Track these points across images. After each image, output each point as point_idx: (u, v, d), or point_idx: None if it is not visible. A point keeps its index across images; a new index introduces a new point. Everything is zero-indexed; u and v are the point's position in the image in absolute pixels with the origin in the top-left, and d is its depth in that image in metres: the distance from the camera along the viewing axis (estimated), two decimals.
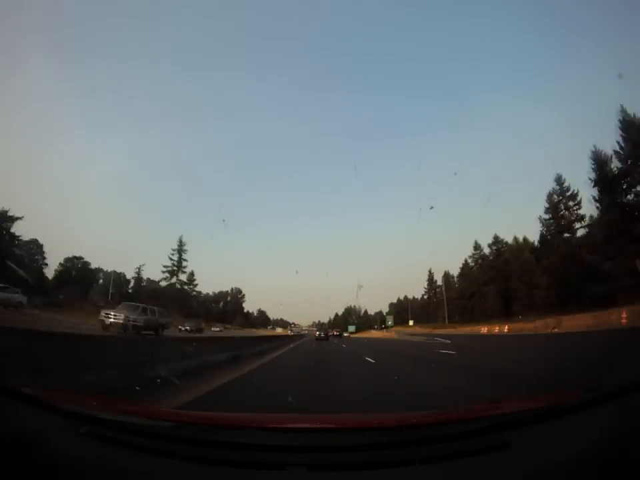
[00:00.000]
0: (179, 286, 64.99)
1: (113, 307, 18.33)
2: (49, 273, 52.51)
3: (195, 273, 68.79)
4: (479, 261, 60.95)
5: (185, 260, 63.94)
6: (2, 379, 1.56)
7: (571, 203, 39.94)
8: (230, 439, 1.22)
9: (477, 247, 61.72)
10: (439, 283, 73.89)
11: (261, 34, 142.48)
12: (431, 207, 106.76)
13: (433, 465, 1.08)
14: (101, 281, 64.98)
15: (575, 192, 39.20)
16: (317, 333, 42.96)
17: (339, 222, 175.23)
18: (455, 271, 69.84)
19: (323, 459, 1.15)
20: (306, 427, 1.45)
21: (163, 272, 63.56)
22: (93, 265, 62.82)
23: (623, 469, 0.97)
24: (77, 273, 59.40)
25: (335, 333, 61.20)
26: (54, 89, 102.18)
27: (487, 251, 59.35)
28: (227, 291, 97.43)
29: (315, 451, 1.18)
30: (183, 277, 66.36)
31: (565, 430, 1.13)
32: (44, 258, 51.57)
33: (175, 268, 63.13)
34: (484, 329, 38.35)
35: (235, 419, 1.66)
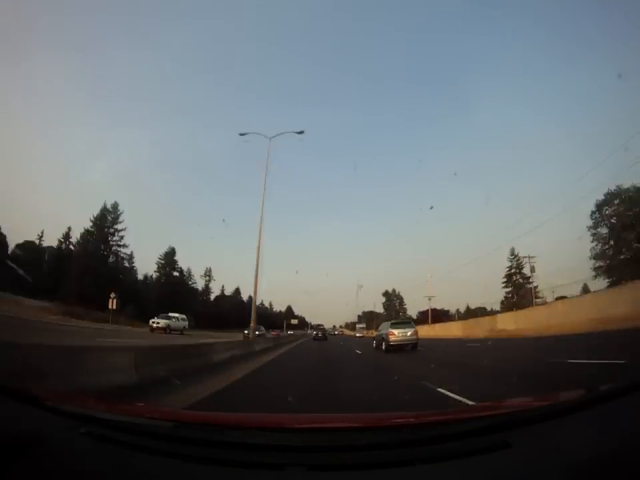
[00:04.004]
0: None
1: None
2: None
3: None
4: None
5: None
6: (2, 379, 1.56)
7: None
8: (230, 439, 1.22)
9: None
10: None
11: (262, 34, 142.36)
12: (431, 207, 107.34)
13: (433, 464, 1.08)
14: None
15: None
16: (314, 332, 43.78)
17: (337, 222, 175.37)
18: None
19: (323, 458, 1.14)
20: (306, 427, 1.45)
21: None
22: None
23: (623, 469, 0.96)
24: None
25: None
26: (49, 85, 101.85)
27: None
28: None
29: (315, 451, 1.18)
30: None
31: (565, 430, 1.13)
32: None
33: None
34: None
35: (234, 418, 1.66)
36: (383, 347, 16.80)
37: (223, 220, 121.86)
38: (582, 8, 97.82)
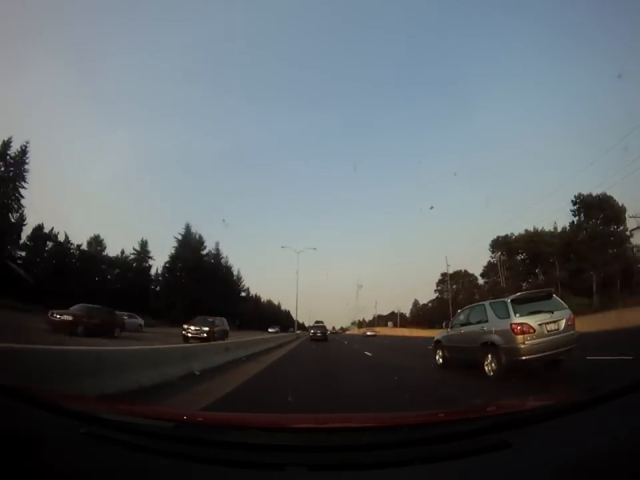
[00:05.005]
0: None
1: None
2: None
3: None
4: None
5: None
6: (2, 379, 1.56)
7: None
8: (230, 439, 1.22)
9: None
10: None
11: (263, 35, 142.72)
12: (431, 207, 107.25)
13: (433, 464, 1.08)
14: None
15: None
16: (312, 332, 32.08)
17: (337, 223, 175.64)
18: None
19: (323, 458, 1.14)
20: (306, 427, 1.45)
21: None
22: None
23: (624, 469, 0.97)
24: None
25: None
26: (52, 86, 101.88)
27: None
28: None
29: (315, 451, 1.18)
30: None
31: (565, 430, 1.13)
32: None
33: None
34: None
35: (234, 418, 1.67)
36: (488, 367, 6.95)
37: (223, 220, 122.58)
38: (582, 8, 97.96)
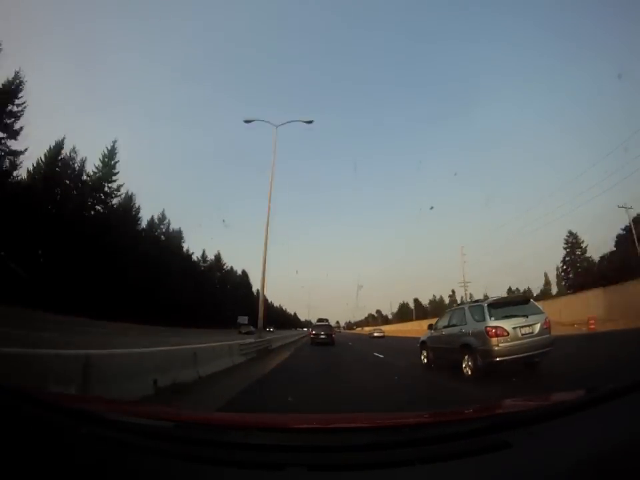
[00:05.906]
0: None
1: None
2: None
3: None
4: None
5: None
6: (2, 378, 1.55)
7: None
8: (230, 439, 1.22)
9: None
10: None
11: (264, 35, 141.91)
12: (431, 207, 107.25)
13: (433, 464, 1.08)
14: None
15: None
16: (314, 333, 24.96)
17: (337, 223, 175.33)
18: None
19: (323, 458, 1.14)
20: (306, 427, 1.45)
21: None
22: None
23: (623, 469, 0.97)
24: None
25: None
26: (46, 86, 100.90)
27: None
28: None
29: (315, 451, 1.18)
30: None
31: (565, 430, 1.14)
32: None
33: None
34: None
35: (235, 418, 1.67)
36: (466, 367, 7.33)
37: (223, 220, 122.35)
38: (582, 8, 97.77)
